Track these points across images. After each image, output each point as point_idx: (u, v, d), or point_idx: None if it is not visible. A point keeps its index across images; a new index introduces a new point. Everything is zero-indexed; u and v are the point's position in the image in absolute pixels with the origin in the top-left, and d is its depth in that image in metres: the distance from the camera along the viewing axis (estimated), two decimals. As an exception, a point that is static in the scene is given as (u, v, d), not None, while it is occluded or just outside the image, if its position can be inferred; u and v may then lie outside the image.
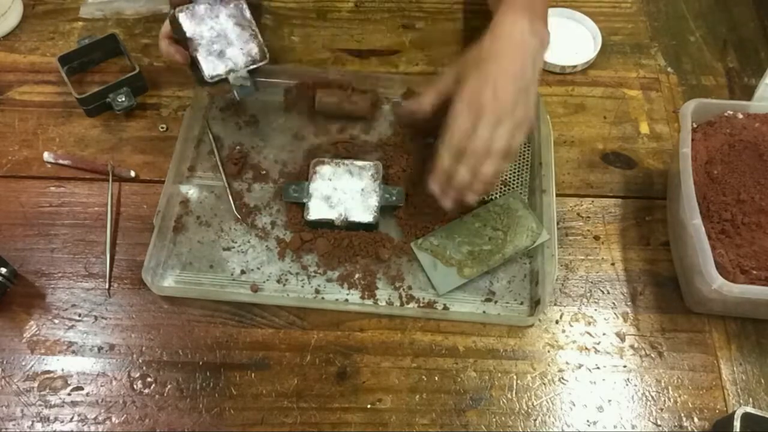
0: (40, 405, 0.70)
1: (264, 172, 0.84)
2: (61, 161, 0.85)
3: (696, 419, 0.70)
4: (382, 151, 0.85)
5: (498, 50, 0.69)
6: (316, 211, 0.78)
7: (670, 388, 0.72)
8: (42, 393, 0.71)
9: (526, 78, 0.68)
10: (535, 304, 0.75)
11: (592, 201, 0.84)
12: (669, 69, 0.95)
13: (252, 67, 0.77)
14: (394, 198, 0.79)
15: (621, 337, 0.74)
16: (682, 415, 0.70)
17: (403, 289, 0.76)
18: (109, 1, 0.97)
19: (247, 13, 0.77)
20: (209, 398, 0.70)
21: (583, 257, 0.80)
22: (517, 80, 0.68)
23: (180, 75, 0.92)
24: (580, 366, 0.73)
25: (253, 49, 0.77)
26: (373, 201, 0.79)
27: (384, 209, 0.80)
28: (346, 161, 0.81)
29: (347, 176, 0.80)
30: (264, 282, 0.77)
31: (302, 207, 0.80)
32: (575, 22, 0.98)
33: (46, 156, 0.85)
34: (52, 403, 0.70)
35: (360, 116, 0.87)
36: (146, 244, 0.76)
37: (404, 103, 0.84)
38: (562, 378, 0.72)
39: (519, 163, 0.83)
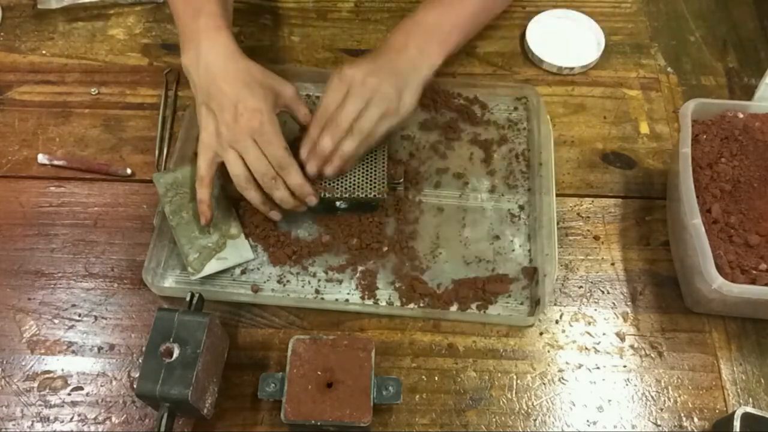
0: (40, 405, 0.70)
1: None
2: (56, 162, 0.84)
3: (696, 419, 0.70)
4: None
5: (381, 54, 0.77)
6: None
7: (670, 388, 0.72)
8: (42, 393, 0.70)
9: (404, 77, 0.75)
10: (535, 304, 0.75)
11: (592, 201, 0.84)
12: (669, 69, 0.95)
13: None
14: None
15: (621, 337, 0.74)
16: (682, 415, 0.70)
17: (403, 290, 0.76)
18: None
19: None
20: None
21: (583, 257, 0.80)
22: (394, 75, 0.74)
23: (179, 75, 0.92)
24: (580, 366, 0.73)
25: None
26: None
27: None
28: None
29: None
30: (264, 282, 0.77)
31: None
32: (579, 24, 0.98)
33: (41, 158, 0.84)
34: (52, 403, 0.70)
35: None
36: (146, 244, 0.76)
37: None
38: (562, 378, 0.72)
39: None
